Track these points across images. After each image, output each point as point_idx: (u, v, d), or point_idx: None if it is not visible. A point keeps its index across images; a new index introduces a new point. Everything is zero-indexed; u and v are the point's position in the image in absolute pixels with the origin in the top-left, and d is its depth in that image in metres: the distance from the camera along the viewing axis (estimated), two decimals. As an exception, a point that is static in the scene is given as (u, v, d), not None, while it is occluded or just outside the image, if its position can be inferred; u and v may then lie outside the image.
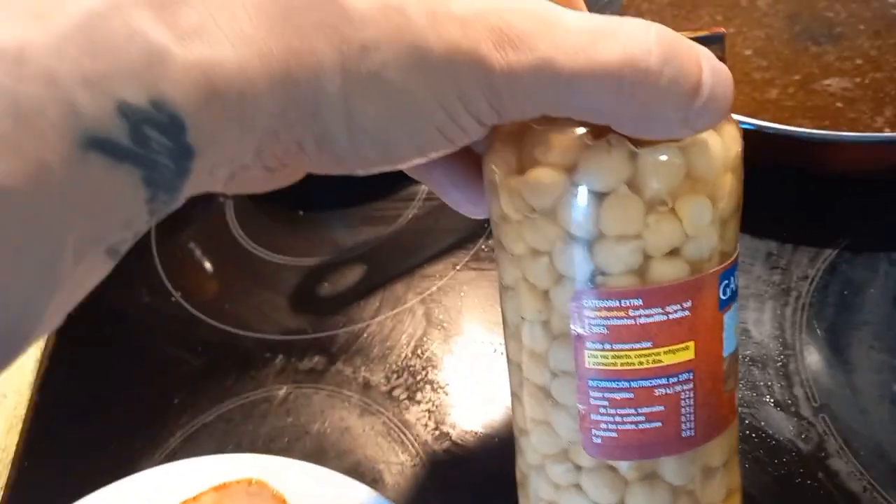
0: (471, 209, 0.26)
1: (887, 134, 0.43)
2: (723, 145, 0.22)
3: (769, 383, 0.37)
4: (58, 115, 0.14)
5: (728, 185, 0.22)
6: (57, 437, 0.40)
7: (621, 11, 0.61)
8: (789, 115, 0.48)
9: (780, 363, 0.38)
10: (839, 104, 0.48)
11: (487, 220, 0.25)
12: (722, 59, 0.21)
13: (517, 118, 0.19)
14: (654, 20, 0.19)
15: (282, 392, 0.40)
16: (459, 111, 0.18)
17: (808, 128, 0.43)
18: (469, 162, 0.25)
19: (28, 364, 0.44)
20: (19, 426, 0.41)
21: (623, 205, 0.21)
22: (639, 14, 0.61)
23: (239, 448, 0.38)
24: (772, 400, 0.36)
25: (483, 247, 0.46)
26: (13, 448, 0.40)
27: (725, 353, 0.24)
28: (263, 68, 0.16)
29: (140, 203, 0.16)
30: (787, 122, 0.44)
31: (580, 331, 0.23)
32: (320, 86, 0.17)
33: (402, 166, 0.21)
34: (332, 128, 0.18)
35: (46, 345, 0.44)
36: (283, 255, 0.48)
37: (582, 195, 0.21)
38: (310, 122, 0.18)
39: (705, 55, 0.19)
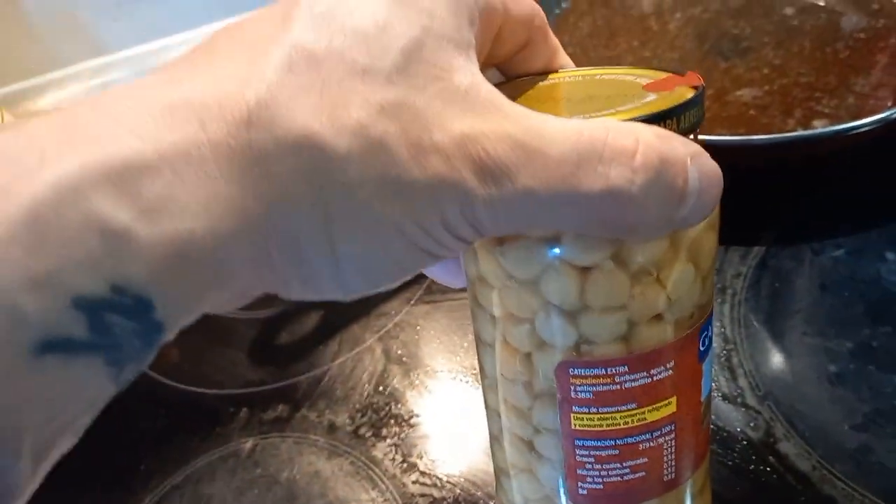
0: (450, 280, 0.25)
1: (797, 133, 0.46)
2: None
3: (715, 378, 0.39)
4: (2, 326, 0.13)
5: (709, 243, 0.22)
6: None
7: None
8: (708, 127, 0.51)
9: (723, 358, 0.39)
10: (752, 112, 0.52)
11: None
12: (703, 108, 0.21)
13: (498, 235, 0.19)
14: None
15: (248, 444, 0.41)
16: (441, 233, 0.18)
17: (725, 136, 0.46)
18: None
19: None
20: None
21: (609, 280, 0.21)
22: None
23: (210, 505, 0.38)
24: (719, 394, 0.38)
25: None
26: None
27: (703, 398, 0.24)
28: (240, 225, 0.16)
29: (105, 383, 0.15)
30: (706, 134, 0.47)
31: (565, 395, 0.22)
32: (302, 231, 0.17)
33: (390, 286, 0.20)
34: (318, 267, 0.18)
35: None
36: (238, 311, 0.49)
37: (564, 270, 0.21)
38: (295, 265, 0.17)
39: (695, 157, 0.18)
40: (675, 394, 0.23)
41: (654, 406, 0.23)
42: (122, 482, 0.40)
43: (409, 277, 0.20)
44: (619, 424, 0.23)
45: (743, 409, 0.37)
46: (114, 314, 0.14)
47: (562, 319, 0.21)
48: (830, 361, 0.38)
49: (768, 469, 0.35)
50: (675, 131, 0.19)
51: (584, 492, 0.24)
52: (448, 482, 0.37)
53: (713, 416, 0.37)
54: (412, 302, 0.47)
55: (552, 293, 0.21)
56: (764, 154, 0.45)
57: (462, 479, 0.37)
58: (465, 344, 0.44)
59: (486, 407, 0.27)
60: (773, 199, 0.47)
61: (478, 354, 0.26)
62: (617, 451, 0.23)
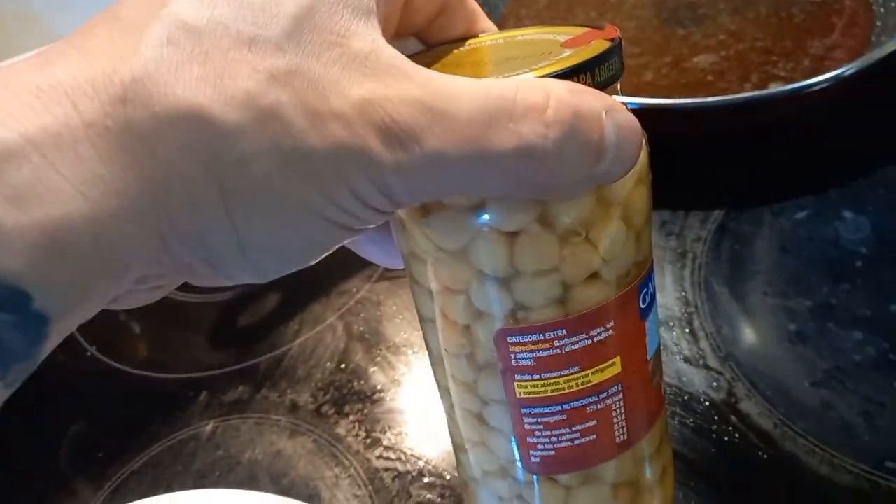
0: (388, 261, 0.25)
1: (750, 94, 0.46)
2: None
3: (677, 342, 0.39)
4: None
5: (640, 199, 0.22)
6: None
7: (501, 21, 0.63)
8: (666, 93, 0.51)
9: (685, 321, 0.39)
10: (710, 77, 0.52)
11: None
12: (620, 61, 0.20)
13: (415, 204, 0.19)
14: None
15: (209, 427, 0.40)
16: (354, 205, 0.17)
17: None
18: None
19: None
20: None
21: (536, 243, 0.20)
22: (518, 22, 0.64)
23: (170, 489, 0.37)
24: (681, 356, 0.38)
25: (395, 256, 0.47)
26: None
27: (650, 356, 0.24)
28: (125, 207, 0.15)
29: None
30: (665, 98, 0.46)
31: (507, 364, 0.22)
32: (198, 212, 0.16)
33: (309, 264, 0.20)
34: (223, 251, 0.17)
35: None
36: (197, 294, 0.48)
37: (491, 236, 0.20)
38: (195, 248, 0.17)
39: (611, 111, 0.18)
40: (618, 354, 0.22)
41: (598, 368, 0.22)
42: (81, 469, 0.39)
43: (327, 253, 0.19)
44: (564, 389, 0.22)
45: (705, 371, 0.37)
46: None
47: (495, 288, 0.21)
48: (790, 320, 0.39)
49: (730, 429, 0.35)
50: (590, 86, 0.19)
51: (537, 459, 0.24)
52: (412, 455, 0.37)
53: (675, 379, 0.37)
54: (373, 279, 0.46)
55: (482, 262, 0.21)
56: (721, 116, 0.45)
57: (426, 453, 0.37)
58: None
59: (437, 384, 0.26)
60: (732, 163, 0.47)
61: (423, 332, 0.25)
62: (565, 416, 0.23)
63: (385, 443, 0.37)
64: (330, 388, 0.40)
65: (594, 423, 0.23)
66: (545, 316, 0.21)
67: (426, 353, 0.39)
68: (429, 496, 0.35)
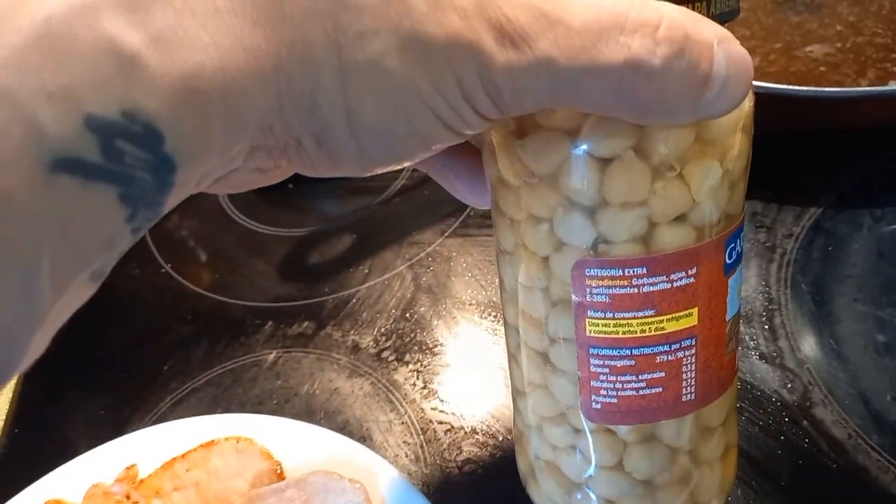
0: (474, 200, 0.25)
1: (875, 88, 0.43)
2: None
3: (755, 337, 0.37)
4: (20, 136, 0.13)
5: (738, 146, 0.21)
6: (47, 404, 0.40)
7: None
8: (773, 81, 0.49)
9: (764, 317, 0.38)
10: (822, 68, 0.49)
11: None
12: (737, 1, 0.20)
13: (518, 113, 0.18)
14: None
15: (271, 356, 0.40)
16: (460, 102, 0.17)
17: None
18: (472, 152, 0.24)
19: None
20: (9, 394, 0.41)
21: (629, 172, 0.20)
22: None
23: (228, 410, 0.38)
24: (757, 353, 0.36)
25: (471, 213, 0.47)
26: (3, 415, 0.40)
27: (728, 317, 0.23)
28: (251, 63, 0.15)
29: (119, 222, 0.15)
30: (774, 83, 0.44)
31: (581, 299, 0.22)
32: (316, 78, 0.16)
33: (407, 163, 0.20)
34: (332, 123, 0.17)
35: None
36: (272, 227, 0.48)
37: (585, 161, 0.20)
38: (307, 118, 0.17)
39: (723, 41, 0.18)
40: (696, 305, 0.22)
41: (674, 315, 0.22)
42: (144, 382, 0.40)
43: (426, 155, 0.19)
44: (636, 332, 0.22)
45: (780, 371, 0.36)
46: (125, 142, 0.14)
47: (581, 217, 0.21)
48: (879, 331, 0.37)
49: (800, 433, 0.33)
50: (704, 15, 0.19)
51: (599, 406, 0.23)
52: (467, 412, 0.36)
53: (748, 375, 0.36)
54: (446, 234, 0.46)
55: (572, 187, 0.20)
56: (832, 109, 0.42)
57: (481, 411, 0.36)
58: (497, 280, 0.43)
59: (505, 324, 0.26)
60: (836, 159, 0.45)
61: (498, 268, 0.25)
62: (633, 362, 0.22)
63: (441, 396, 0.37)
64: (392, 335, 0.41)
65: (662, 374, 0.23)
66: (626, 251, 0.21)
67: (492, 313, 0.39)
68: (479, 453, 0.35)
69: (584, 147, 0.20)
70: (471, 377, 0.38)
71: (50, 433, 0.39)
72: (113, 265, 0.16)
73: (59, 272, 0.14)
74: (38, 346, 0.15)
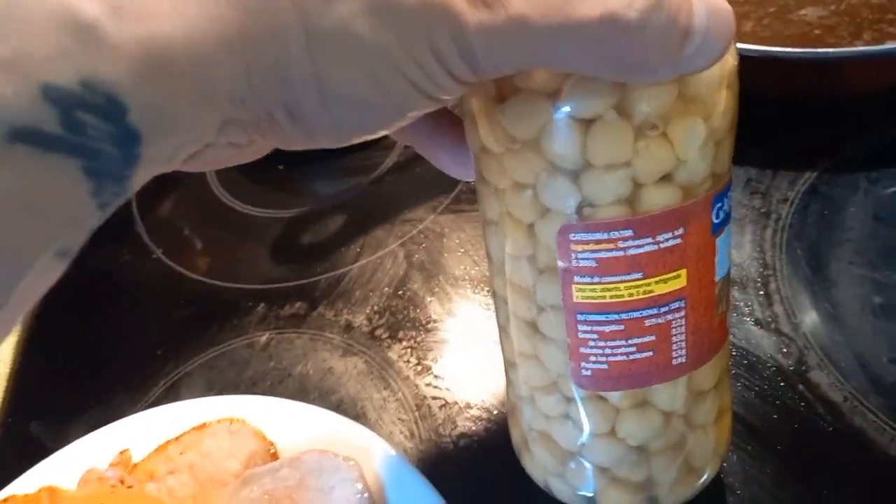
0: (459, 171, 0.25)
1: (863, 48, 0.42)
2: None
3: (749, 303, 0.37)
4: None
5: (723, 103, 0.21)
6: (42, 390, 0.40)
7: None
8: (767, 45, 0.48)
9: (759, 283, 0.37)
10: (817, 31, 0.48)
11: None
12: None
13: (494, 76, 0.18)
14: None
15: (264, 338, 0.40)
16: (433, 66, 0.17)
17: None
18: (456, 123, 0.24)
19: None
20: (4, 382, 0.41)
21: (611, 132, 0.20)
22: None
23: (222, 393, 0.38)
24: (752, 319, 0.36)
25: (463, 189, 0.46)
26: (-1, 404, 0.40)
27: (717, 278, 0.23)
28: (216, 32, 0.15)
29: (84, 196, 0.14)
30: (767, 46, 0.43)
31: (567, 265, 0.21)
32: (284, 46, 0.16)
33: (384, 132, 0.19)
34: (303, 93, 0.17)
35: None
36: (263, 209, 0.48)
37: (566, 123, 0.20)
38: (277, 89, 0.16)
39: None
40: (684, 266, 0.21)
41: (662, 277, 0.21)
42: (138, 367, 0.40)
43: (403, 123, 0.19)
44: (624, 296, 0.22)
45: (775, 336, 0.35)
46: (86, 113, 0.14)
47: (564, 181, 0.20)
48: (876, 293, 0.36)
49: (797, 397, 0.33)
50: None
51: (589, 372, 0.23)
52: (461, 387, 0.36)
53: (742, 341, 0.35)
54: (438, 210, 0.45)
55: (554, 151, 0.20)
56: (827, 71, 0.41)
57: (475, 386, 0.36)
58: (490, 255, 0.43)
59: (494, 296, 0.26)
60: (831, 122, 0.44)
61: (484, 239, 0.25)
62: (622, 327, 0.22)
63: (435, 372, 0.37)
64: (385, 313, 0.40)
65: (652, 338, 0.22)
66: (611, 213, 0.21)
67: (485, 288, 0.38)
68: (473, 428, 0.34)
69: (565, 109, 0.20)
70: (464, 352, 0.38)
71: (45, 418, 0.39)
72: (81, 244, 0.15)
73: (18, 247, 0.14)
74: (2, 328, 0.15)
